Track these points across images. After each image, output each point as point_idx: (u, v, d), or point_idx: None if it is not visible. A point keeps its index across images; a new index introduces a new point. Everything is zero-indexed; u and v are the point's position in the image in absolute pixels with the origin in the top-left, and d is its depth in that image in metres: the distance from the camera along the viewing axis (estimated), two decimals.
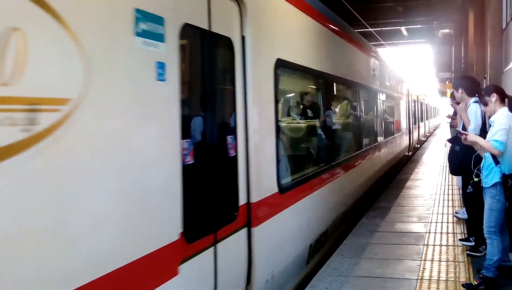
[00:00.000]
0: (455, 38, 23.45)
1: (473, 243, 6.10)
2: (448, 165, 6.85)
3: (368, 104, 10.68)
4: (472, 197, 5.53)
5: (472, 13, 16.01)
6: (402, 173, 13.84)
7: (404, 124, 16.40)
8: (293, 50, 5.51)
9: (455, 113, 7.64)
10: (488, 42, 11.47)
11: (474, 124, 5.68)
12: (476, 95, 5.82)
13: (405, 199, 9.90)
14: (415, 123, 20.16)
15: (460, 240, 6.52)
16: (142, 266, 2.78)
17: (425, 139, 26.66)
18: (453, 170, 6.66)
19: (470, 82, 6.22)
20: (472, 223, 6.19)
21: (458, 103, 6.25)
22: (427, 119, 29.14)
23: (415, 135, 19.75)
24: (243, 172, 4.01)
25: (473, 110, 5.76)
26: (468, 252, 6.01)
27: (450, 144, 6.24)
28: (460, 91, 6.02)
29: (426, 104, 29.01)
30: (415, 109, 20.64)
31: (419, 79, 34.62)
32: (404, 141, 16.49)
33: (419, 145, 22.15)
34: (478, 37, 14.24)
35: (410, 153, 18.08)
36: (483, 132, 5.41)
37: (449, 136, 8.87)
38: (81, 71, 2.37)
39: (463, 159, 5.62)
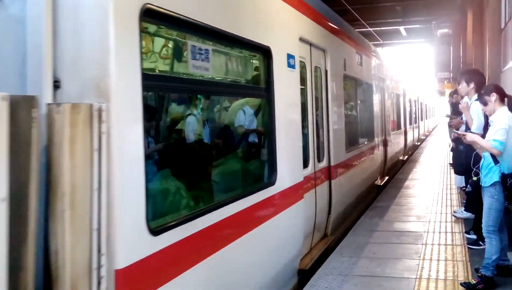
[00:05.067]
0: (454, 38, 23.46)
1: (474, 237, 6.21)
2: (451, 164, 6.93)
3: None
4: (472, 195, 5.56)
5: (471, 13, 16.03)
6: (400, 173, 13.86)
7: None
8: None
9: (453, 113, 7.64)
10: (487, 42, 11.48)
11: (477, 123, 5.67)
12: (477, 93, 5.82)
13: (404, 198, 9.91)
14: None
15: (466, 232, 6.69)
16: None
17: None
18: (457, 170, 6.69)
19: (483, 78, 6.16)
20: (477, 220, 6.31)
21: (455, 103, 6.25)
22: (411, 124, 17.87)
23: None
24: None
25: (475, 109, 5.75)
26: (468, 246, 6.21)
27: (454, 144, 6.28)
28: (471, 86, 5.96)
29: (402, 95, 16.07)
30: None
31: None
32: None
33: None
34: (476, 37, 14.25)
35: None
36: (487, 131, 5.42)
37: (448, 139, 8.90)
38: None
39: (467, 159, 5.64)
